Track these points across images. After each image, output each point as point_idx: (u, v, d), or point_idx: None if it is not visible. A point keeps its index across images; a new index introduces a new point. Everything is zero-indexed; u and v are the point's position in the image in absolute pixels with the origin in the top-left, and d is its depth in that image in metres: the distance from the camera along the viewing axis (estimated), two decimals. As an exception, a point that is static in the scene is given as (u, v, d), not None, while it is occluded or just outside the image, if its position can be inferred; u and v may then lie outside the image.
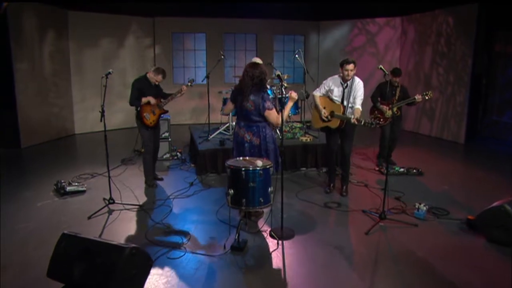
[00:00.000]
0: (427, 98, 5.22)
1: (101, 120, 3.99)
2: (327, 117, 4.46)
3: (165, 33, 9.78)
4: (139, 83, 4.72)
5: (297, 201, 4.55)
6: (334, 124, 4.41)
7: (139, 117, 4.75)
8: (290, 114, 6.47)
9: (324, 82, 4.57)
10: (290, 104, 3.65)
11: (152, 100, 4.74)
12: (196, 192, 4.84)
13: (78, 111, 8.78)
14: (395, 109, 5.54)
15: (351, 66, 4.27)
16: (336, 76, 4.48)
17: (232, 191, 3.27)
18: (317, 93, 4.60)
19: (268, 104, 3.54)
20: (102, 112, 4.04)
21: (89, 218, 4.03)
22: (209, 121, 6.44)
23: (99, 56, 8.79)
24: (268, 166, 3.32)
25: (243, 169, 3.23)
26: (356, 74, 4.38)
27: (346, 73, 4.29)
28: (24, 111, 7.25)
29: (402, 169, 5.62)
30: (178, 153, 6.52)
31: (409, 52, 9.14)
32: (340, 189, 4.79)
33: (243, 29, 10.17)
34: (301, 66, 6.58)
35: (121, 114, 8.88)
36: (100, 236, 3.61)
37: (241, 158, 3.56)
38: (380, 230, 3.77)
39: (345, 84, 4.39)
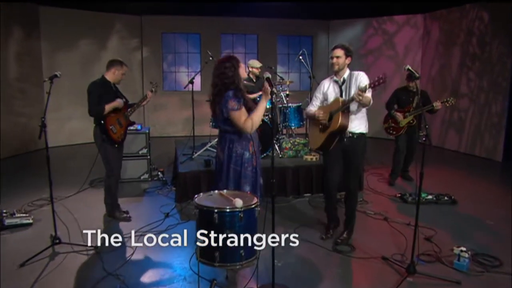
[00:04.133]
0: (447, 105, 5.10)
1: (39, 137, 3.29)
2: (325, 123, 3.60)
3: (154, 33, 9.53)
4: (98, 87, 4.05)
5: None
6: (335, 123, 3.49)
7: (104, 131, 4.06)
8: (292, 127, 5.82)
9: (316, 90, 3.83)
10: (264, 102, 2.92)
11: (118, 102, 4.11)
12: (170, 227, 4.12)
13: (51, 122, 8.09)
14: (410, 117, 5.32)
15: (337, 52, 3.51)
16: (328, 77, 3.76)
17: (201, 240, 2.51)
18: (310, 107, 3.80)
19: (231, 103, 2.83)
20: (42, 127, 3.32)
21: (22, 265, 3.30)
22: (193, 134, 5.78)
23: (77, 59, 8.34)
24: (252, 206, 2.57)
25: (215, 211, 2.45)
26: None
27: (331, 61, 3.55)
28: (-19, 122, 6.68)
29: (430, 196, 4.90)
30: (159, 173, 5.89)
31: (433, 55, 8.76)
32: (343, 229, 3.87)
33: (243, 29, 10.02)
34: (308, 71, 6.15)
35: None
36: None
37: (216, 191, 2.81)
38: (409, 289, 2.99)
39: (342, 80, 3.59)
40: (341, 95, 3.55)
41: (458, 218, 4.45)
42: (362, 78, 3.48)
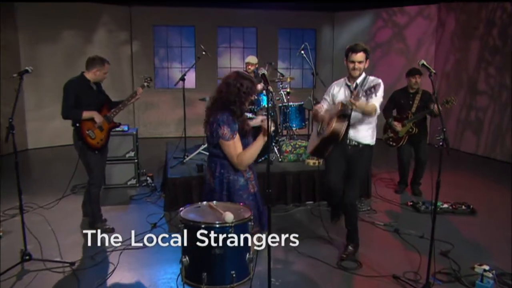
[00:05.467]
0: (447, 106, 4.82)
1: (6, 140, 3.20)
2: (323, 126, 3.44)
3: (145, 26, 9.45)
4: (75, 86, 3.91)
5: (297, 257, 3.70)
6: (328, 129, 3.34)
7: (80, 135, 3.93)
8: (294, 128, 5.82)
9: (326, 92, 3.69)
10: (260, 141, 2.65)
11: (97, 116, 3.98)
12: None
13: (32, 121, 8.16)
14: (409, 125, 5.08)
15: (360, 56, 3.31)
16: (336, 81, 3.63)
17: (186, 258, 2.39)
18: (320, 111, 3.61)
19: (223, 130, 2.59)
20: (10, 129, 3.18)
21: (-15, 286, 3.13)
22: (185, 136, 5.67)
23: (60, 52, 8.23)
24: (245, 220, 2.42)
25: (203, 226, 2.31)
26: (381, 77, 3.47)
27: (352, 66, 3.35)
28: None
29: (446, 205, 4.82)
30: (147, 178, 5.80)
31: (447, 48, 8.65)
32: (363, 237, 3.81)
33: (241, 22, 9.94)
34: (310, 67, 6.07)
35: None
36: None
37: (205, 203, 2.67)
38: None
39: (354, 85, 3.43)
40: None
41: (478, 230, 4.35)
42: (377, 88, 3.19)
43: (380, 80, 3.32)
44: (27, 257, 3.41)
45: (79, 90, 3.89)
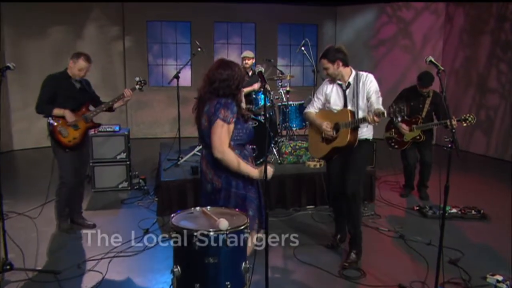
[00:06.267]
0: (464, 124, 4.70)
1: None
2: (331, 135, 3.59)
3: (138, 21, 9.48)
4: (53, 81, 4.02)
5: (295, 264, 3.69)
6: (343, 140, 3.48)
7: (51, 132, 4.03)
8: (294, 128, 5.88)
9: (318, 90, 3.82)
10: (250, 172, 2.66)
11: (68, 115, 4.01)
12: (149, 246, 3.99)
13: (18, 121, 8.19)
14: (418, 132, 5.05)
15: (322, 63, 3.54)
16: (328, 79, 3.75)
17: (178, 269, 2.35)
18: (310, 109, 3.81)
19: (225, 112, 2.56)
20: None
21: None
22: (179, 136, 5.67)
23: (48, 48, 8.24)
24: (241, 228, 2.39)
25: (195, 234, 2.27)
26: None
27: (324, 73, 3.65)
28: None
29: (455, 210, 4.80)
30: (140, 181, 5.81)
31: (456, 45, 8.74)
32: (348, 251, 3.73)
33: (239, 17, 10.00)
34: (311, 64, 6.08)
35: (77, 125, 8.31)
36: None
37: (198, 208, 2.64)
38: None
39: (346, 84, 3.57)
40: (345, 100, 3.57)
41: (489, 236, 4.33)
42: (371, 85, 3.46)
43: (371, 75, 3.53)
44: (8, 267, 3.35)
45: (58, 86, 3.99)
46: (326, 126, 3.57)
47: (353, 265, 3.57)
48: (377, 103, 3.38)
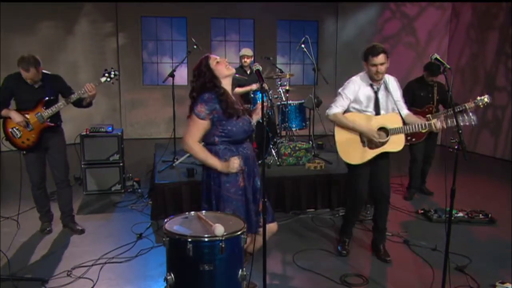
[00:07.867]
0: (480, 105, 4.78)
1: None
2: (382, 141, 3.62)
3: (132, 17, 9.52)
4: (8, 82, 4.02)
5: (295, 271, 3.67)
6: (398, 145, 3.64)
7: (4, 132, 4.04)
8: (293, 128, 5.90)
9: (344, 90, 3.71)
10: (212, 161, 2.75)
11: (14, 115, 3.94)
12: (142, 252, 3.97)
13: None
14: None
15: (382, 58, 3.46)
16: (358, 78, 3.67)
17: (172, 276, 2.33)
18: (338, 109, 3.67)
19: (200, 108, 2.69)
20: None
21: None
22: (174, 137, 5.63)
23: (38, 45, 8.20)
24: (238, 233, 2.37)
25: (189, 240, 2.25)
26: (389, 73, 3.67)
27: (374, 69, 3.49)
28: None
29: (461, 214, 4.79)
30: (134, 183, 5.82)
31: (462, 41, 8.75)
32: (370, 248, 4.00)
33: (237, 13, 10.07)
34: (312, 62, 6.07)
35: (70, 125, 8.21)
36: None
37: (193, 213, 2.63)
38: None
39: (376, 87, 3.61)
40: (376, 103, 3.62)
41: (497, 241, 4.31)
42: (394, 84, 3.65)
43: (393, 78, 3.69)
44: (-6, 274, 3.34)
45: (14, 86, 3.97)
46: (375, 135, 3.59)
47: (388, 260, 3.80)
48: (405, 109, 3.66)
